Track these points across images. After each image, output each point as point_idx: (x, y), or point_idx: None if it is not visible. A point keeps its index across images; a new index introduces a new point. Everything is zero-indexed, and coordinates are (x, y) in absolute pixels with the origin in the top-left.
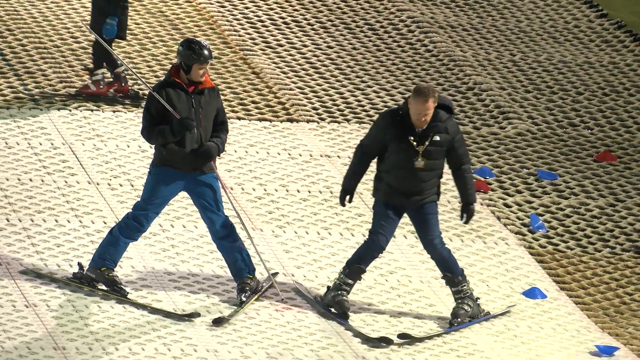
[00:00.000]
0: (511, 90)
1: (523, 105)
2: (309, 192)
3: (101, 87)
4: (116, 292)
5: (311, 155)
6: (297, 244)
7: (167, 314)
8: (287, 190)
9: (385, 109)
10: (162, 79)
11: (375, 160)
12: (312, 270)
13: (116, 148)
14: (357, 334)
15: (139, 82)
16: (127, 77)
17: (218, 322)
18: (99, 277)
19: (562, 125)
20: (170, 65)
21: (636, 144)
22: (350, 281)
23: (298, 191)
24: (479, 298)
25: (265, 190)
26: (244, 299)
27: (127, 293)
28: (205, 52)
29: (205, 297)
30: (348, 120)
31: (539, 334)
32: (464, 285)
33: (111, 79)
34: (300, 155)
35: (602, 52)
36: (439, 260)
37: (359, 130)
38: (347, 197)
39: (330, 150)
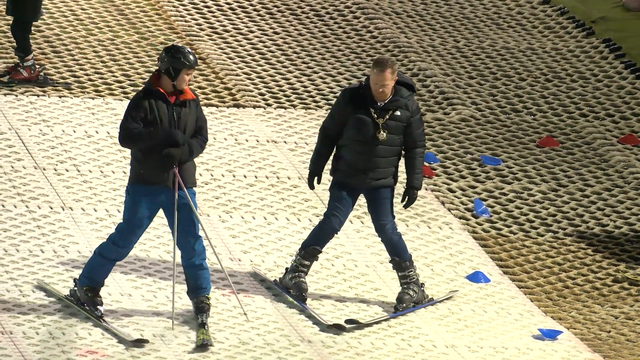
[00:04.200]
0: (455, 77)
1: (467, 91)
2: (256, 177)
3: (32, 72)
4: (91, 312)
5: (258, 141)
6: (244, 229)
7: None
8: (233, 176)
9: (343, 88)
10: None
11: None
12: (259, 255)
13: (62, 133)
14: (311, 316)
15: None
16: (35, 64)
17: (202, 347)
18: (81, 295)
19: (505, 111)
20: (151, 74)
21: (578, 129)
22: (306, 262)
23: (245, 176)
24: (423, 284)
25: (212, 175)
26: (205, 320)
27: (101, 315)
28: (192, 57)
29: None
30: (294, 106)
31: (483, 317)
32: (411, 271)
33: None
34: (247, 141)
35: (545, 39)
36: (388, 244)
37: (305, 116)
38: (315, 179)
39: (276, 135)
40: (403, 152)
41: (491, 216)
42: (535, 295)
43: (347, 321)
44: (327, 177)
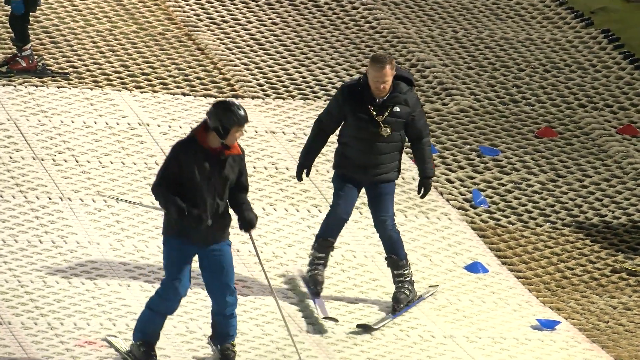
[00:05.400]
0: (454, 67)
1: (465, 82)
2: (254, 168)
3: (30, 62)
4: None
5: (256, 132)
6: None
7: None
8: None
9: (341, 83)
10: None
11: (337, 133)
12: (258, 245)
13: (61, 124)
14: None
15: (61, 76)
16: (34, 54)
17: None
18: (134, 350)
19: (503, 101)
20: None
21: (577, 120)
22: (321, 254)
23: None
24: (414, 282)
25: None
26: None
27: None
28: (243, 112)
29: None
30: (293, 97)
31: (481, 307)
32: (406, 270)
33: (15, 53)
34: (246, 132)
35: (544, 29)
36: (387, 240)
37: (303, 107)
38: (305, 172)
39: (275, 126)
40: (407, 145)
41: (489, 207)
42: (533, 285)
43: (359, 326)
44: (318, 168)
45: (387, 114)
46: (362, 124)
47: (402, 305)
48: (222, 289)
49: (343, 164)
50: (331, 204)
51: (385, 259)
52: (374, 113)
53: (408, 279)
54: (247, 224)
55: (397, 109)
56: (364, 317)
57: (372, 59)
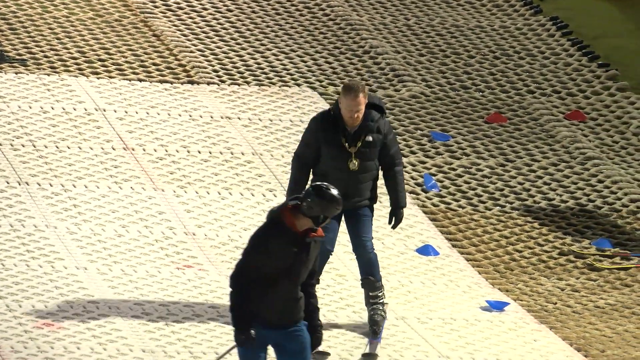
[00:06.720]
0: (405, 54)
1: (417, 69)
2: (210, 152)
3: None
4: None
5: (212, 117)
6: (199, 204)
7: None
8: (188, 151)
9: (316, 113)
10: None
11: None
12: (213, 229)
13: (18, 109)
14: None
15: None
16: None
17: None
18: None
19: (454, 88)
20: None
21: (525, 106)
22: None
23: (199, 152)
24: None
25: (166, 151)
26: None
27: None
28: (341, 198)
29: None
30: (248, 83)
31: (432, 289)
32: (381, 292)
33: None
34: (201, 117)
35: (494, 17)
36: (366, 262)
37: (258, 93)
38: None
39: (230, 112)
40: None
41: (440, 191)
42: (483, 267)
43: (365, 355)
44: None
45: (359, 144)
46: (336, 156)
47: (381, 328)
48: None
49: None
50: None
51: (362, 280)
52: (347, 145)
53: (382, 300)
54: (316, 340)
55: (370, 137)
56: (347, 342)
57: (345, 88)
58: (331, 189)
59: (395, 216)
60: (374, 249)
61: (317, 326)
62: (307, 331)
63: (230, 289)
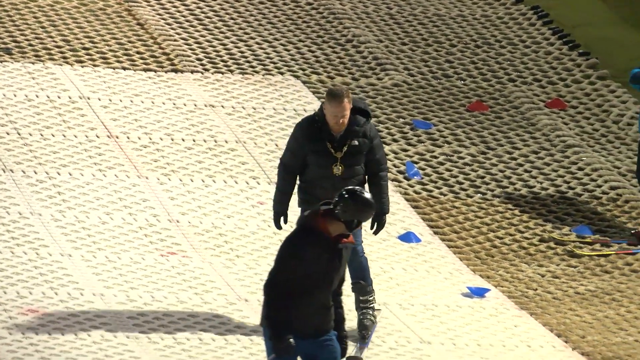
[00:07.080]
0: (388, 43)
1: (399, 57)
2: (194, 140)
3: None
4: None
5: (195, 105)
6: (182, 192)
7: None
8: (172, 139)
9: (301, 118)
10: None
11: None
12: (197, 216)
13: (3, 97)
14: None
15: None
16: None
17: None
18: None
19: (436, 76)
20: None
21: (507, 94)
22: None
23: (183, 140)
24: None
25: (150, 139)
26: None
27: None
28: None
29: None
30: (231, 71)
31: (414, 276)
32: (371, 296)
33: None
34: (185, 105)
35: (475, 6)
36: (357, 266)
37: (242, 81)
38: (282, 219)
39: (214, 100)
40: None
41: (422, 178)
42: (464, 254)
43: (349, 358)
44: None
45: (345, 149)
46: (322, 162)
47: (370, 332)
48: None
49: (311, 201)
50: None
51: (352, 284)
52: (332, 150)
53: (372, 305)
54: (342, 352)
55: (356, 142)
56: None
57: (329, 94)
58: (365, 193)
59: (378, 222)
60: (364, 253)
61: (344, 337)
62: (337, 341)
63: (265, 298)
